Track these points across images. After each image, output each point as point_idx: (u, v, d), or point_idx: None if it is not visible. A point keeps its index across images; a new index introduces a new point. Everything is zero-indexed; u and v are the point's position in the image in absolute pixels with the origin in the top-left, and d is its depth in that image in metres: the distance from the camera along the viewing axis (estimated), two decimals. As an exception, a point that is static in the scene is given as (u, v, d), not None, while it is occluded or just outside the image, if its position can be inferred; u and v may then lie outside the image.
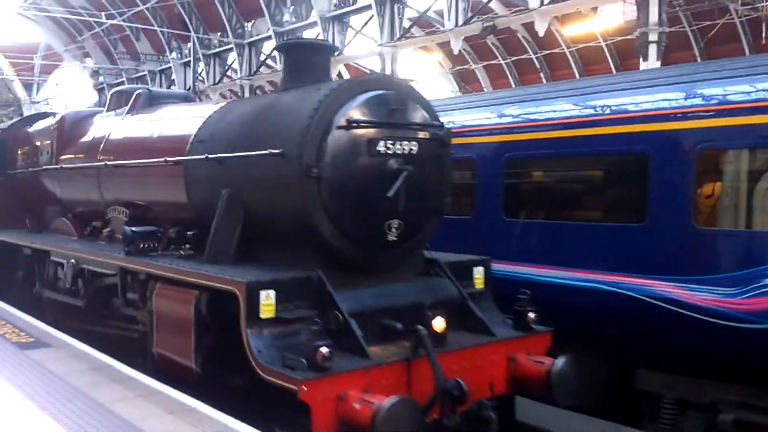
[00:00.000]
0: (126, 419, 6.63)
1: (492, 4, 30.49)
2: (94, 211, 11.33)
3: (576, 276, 9.03)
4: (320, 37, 33.46)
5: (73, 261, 10.28)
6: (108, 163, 10.34)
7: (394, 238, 7.61)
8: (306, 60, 8.41)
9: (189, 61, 44.97)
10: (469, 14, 26.82)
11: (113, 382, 7.78)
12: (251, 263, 7.84)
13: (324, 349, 6.27)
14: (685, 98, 8.39)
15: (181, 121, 9.84)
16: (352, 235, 7.43)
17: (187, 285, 7.65)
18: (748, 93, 7.95)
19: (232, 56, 42.20)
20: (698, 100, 8.26)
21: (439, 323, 7.10)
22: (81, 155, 11.53)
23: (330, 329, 6.96)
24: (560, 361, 7.26)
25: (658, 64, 20.81)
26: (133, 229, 8.93)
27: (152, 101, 11.09)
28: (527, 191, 10.56)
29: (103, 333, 10.25)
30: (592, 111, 9.38)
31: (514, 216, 10.02)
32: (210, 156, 8.25)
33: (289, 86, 8.30)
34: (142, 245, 8.82)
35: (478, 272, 8.45)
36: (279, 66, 36.84)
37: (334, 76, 33.40)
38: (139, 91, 11.27)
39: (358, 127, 7.30)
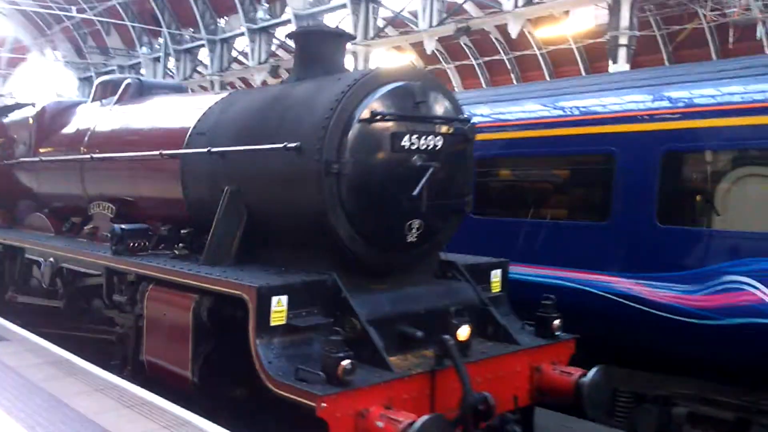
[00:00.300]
0: (83, 413, 6.39)
1: (466, 5, 30.38)
2: (74, 207, 10.53)
3: (542, 273, 9.05)
4: None
5: (51, 259, 9.50)
6: (93, 155, 9.54)
7: (414, 239, 6.99)
8: (320, 49, 7.73)
9: (159, 57, 44.41)
10: (444, 15, 26.93)
11: (71, 376, 7.49)
12: (254, 265, 7.17)
13: (345, 362, 5.62)
14: (652, 101, 8.55)
15: (176, 112, 9.09)
16: (370, 235, 6.79)
17: (184, 288, 6.97)
18: (714, 96, 8.10)
19: (204, 52, 41.82)
20: (665, 103, 8.42)
21: (464, 331, 6.47)
22: (62, 147, 10.69)
23: (344, 338, 6.32)
24: (592, 373, 6.69)
25: (627, 67, 21.07)
26: (123, 226, 8.18)
27: (142, 91, 10.29)
28: (500, 190, 10.51)
29: (77, 336, 9.59)
30: (561, 112, 9.49)
31: (481, 214, 9.73)
32: (213, 149, 7.54)
33: (302, 76, 7.62)
34: (132, 244, 8.08)
35: (496, 275, 7.87)
36: (250, 63, 36.47)
37: None
38: (128, 80, 10.47)
39: (382, 120, 6.66)
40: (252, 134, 7.29)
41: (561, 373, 6.92)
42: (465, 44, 37.84)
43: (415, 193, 6.59)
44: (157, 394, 6.99)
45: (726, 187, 7.99)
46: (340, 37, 7.97)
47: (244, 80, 40.53)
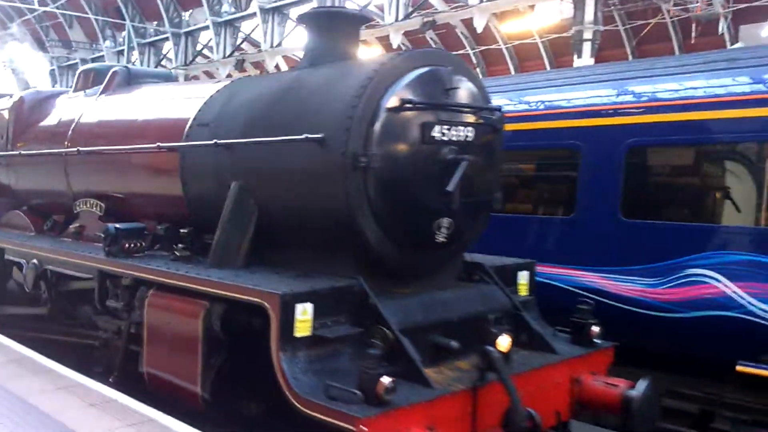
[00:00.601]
0: (46, 412, 6.16)
1: (432, 0, 29.85)
2: (56, 204, 9.66)
3: None
4: (259, 28, 32.42)
5: (35, 261, 8.64)
6: (80, 149, 8.68)
7: (443, 239, 6.32)
8: (334, 31, 7.01)
9: (123, 50, 43.53)
10: (410, 9, 27.15)
11: (34, 375, 7.23)
12: (264, 268, 6.46)
13: (386, 380, 4.93)
14: (617, 95, 8.55)
15: (173, 102, 8.28)
16: (397, 235, 6.11)
17: (190, 293, 6.22)
18: (677, 91, 8.11)
19: (168, 45, 41.05)
20: (629, 97, 8.42)
21: (504, 341, 5.81)
22: (43, 141, 9.78)
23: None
24: (642, 386, 6.05)
25: (591, 62, 21.26)
26: (117, 225, 7.36)
27: (130, 80, 9.43)
28: None
29: (57, 340, 8.86)
30: (526, 106, 9.42)
31: None
32: (219, 141, 6.78)
33: (316, 61, 6.90)
34: (127, 245, 7.29)
35: (523, 277, 7.24)
36: (215, 56, 35.62)
37: (271, 68, 32.42)
38: (115, 68, 9.56)
39: (412, 109, 5.97)
40: (263, 125, 6.56)
41: (605, 384, 6.27)
42: (431, 38, 37.39)
43: (450, 188, 5.91)
44: (162, 411, 6.30)
45: (689, 181, 8.19)
46: (356, 19, 7.24)
47: (208, 74, 39.72)
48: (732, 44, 23.52)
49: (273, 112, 6.59)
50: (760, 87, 7.55)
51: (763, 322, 7.20)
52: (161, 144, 7.44)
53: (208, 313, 6.02)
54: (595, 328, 6.68)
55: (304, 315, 5.47)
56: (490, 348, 5.53)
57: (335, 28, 7.04)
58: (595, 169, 8.33)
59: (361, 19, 7.28)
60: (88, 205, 8.72)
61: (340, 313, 5.73)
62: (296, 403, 5.15)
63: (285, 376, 5.26)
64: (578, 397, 6.29)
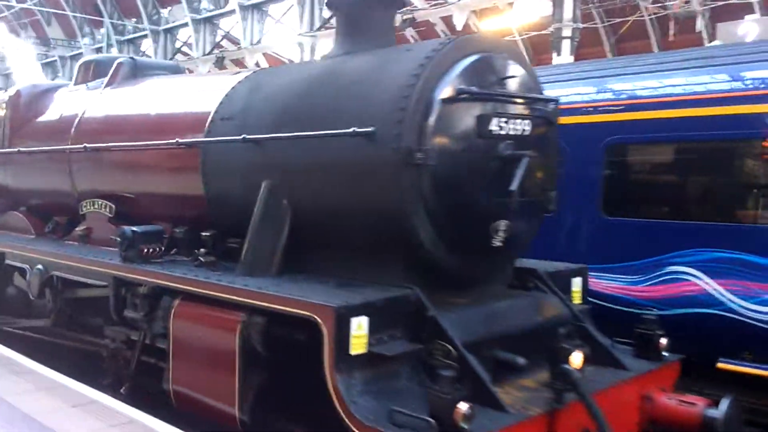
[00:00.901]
0: (26, 413, 5.96)
1: (412, -3, 29.48)
2: (58, 204, 8.86)
3: None
4: (239, 25, 31.80)
5: (40, 266, 7.86)
6: (87, 145, 7.90)
7: (499, 243, 5.65)
8: (368, 17, 6.29)
9: (101, 47, 42.55)
10: None
11: (15, 375, 7.02)
12: (302, 275, 5.78)
13: (464, 406, 4.30)
14: (596, 92, 8.47)
15: (188, 95, 7.50)
16: (452, 239, 5.46)
17: (224, 304, 5.52)
18: (656, 88, 8.01)
19: (147, 43, 40.18)
20: (608, 95, 8.35)
21: (578, 359, 5.13)
22: (44, 137, 8.98)
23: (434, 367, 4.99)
24: (724, 405, 5.39)
25: (571, 59, 20.85)
26: (134, 228, 6.63)
27: (136, 72, 8.63)
28: None
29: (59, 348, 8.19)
30: None
31: None
32: (247, 137, 6.07)
33: (351, 49, 6.19)
34: (145, 249, 6.56)
35: (576, 284, 6.61)
36: (195, 53, 34.75)
37: (251, 66, 31.71)
38: (120, 59, 8.75)
39: (468, 99, 5.30)
40: (297, 118, 5.86)
41: (679, 402, 5.62)
42: (410, 36, 36.78)
43: (513, 187, 5.27)
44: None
45: (668, 179, 8.10)
46: (391, 4, 6.53)
47: (188, 70, 38.74)
48: (710, 42, 23.28)
49: (307, 104, 5.89)
50: (739, 85, 7.52)
51: (742, 319, 7.15)
52: (180, 140, 6.70)
53: (245, 326, 5.33)
54: (663, 340, 6.06)
55: (359, 330, 4.81)
56: (569, 367, 4.89)
57: (369, 14, 6.32)
58: (576, 166, 8.08)
59: (397, 3, 6.57)
60: (96, 206, 7.94)
61: (396, 326, 5.07)
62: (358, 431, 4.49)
63: (342, 399, 4.61)
64: (650, 416, 5.65)
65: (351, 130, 5.24)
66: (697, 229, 7.47)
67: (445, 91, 5.24)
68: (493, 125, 5.40)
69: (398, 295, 5.12)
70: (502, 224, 5.60)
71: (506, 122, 5.49)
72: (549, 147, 5.99)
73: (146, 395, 6.82)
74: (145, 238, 6.60)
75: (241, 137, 6.10)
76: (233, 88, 6.74)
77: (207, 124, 6.63)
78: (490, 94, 5.40)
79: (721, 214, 7.53)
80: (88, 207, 8.07)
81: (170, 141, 6.80)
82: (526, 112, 5.72)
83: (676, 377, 6.12)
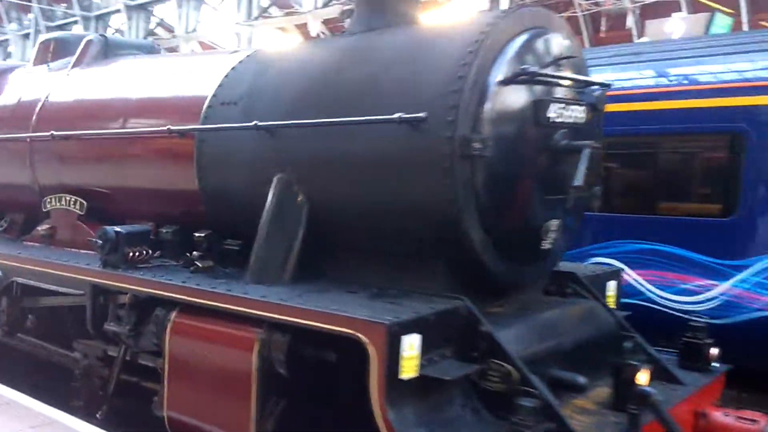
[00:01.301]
0: None
1: (351, -13, 29.03)
2: (14, 200, 7.77)
3: None
4: (176, 14, 30.82)
5: (-1, 272, 6.82)
6: (55, 133, 6.85)
7: (549, 246, 4.94)
8: None
9: (29, 33, 40.64)
10: None
11: None
12: (322, 283, 4.96)
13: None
14: None
15: (177, 77, 6.51)
16: (503, 241, 4.70)
17: (234, 318, 4.66)
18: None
19: (77, 29, 38.50)
20: None
21: (644, 377, 4.46)
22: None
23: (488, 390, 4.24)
24: None
25: None
26: (118, 229, 5.67)
27: (108, 52, 7.56)
28: None
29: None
30: None
31: None
32: (260, 124, 5.18)
33: (375, 25, 5.34)
34: (131, 253, 5.62)
35: (612, 288, 5.93)
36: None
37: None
38: (89, 37, 7.64)
39: (527, 82, 4.55)
40: (319, 103, 5.03)
41: (737, 419, 4.98)
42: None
43: (578, 182, 4.54)
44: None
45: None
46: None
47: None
48: (639, 38, 23.45)
49: (332, 87, 5.03)
50: (663, 81, 7.73)
51: (659, 308, 7.43)
52: (172, 128, 5.76)
53: (263, 344, 4.47)
54: (714, 350, 5.41)
55: (410, 350, 4.02)
56: (648, 388, 4.20)
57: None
58: None
59: None
60: (63, 202, 6.89)
61: (446, 344, 4.29)
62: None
63: (395, 433, 3.80)
64: None
65: (396, 116, 4.41)
66: (620, 221, 7.75)
67: (502, 72, 4.49)
68: (552, 112, 4.67)
69: (449, 308, 4.33)
70: (554, 224, 4.90)
71: (564, 109, 4.77)
72: (597, 137, 5.26)
73: (127, 420, 5.93)
74: (131, 239, 5.64)
75: (252, 124, 5.19)
76: (233, 68, 5.82)
77: (204, 110, 5.72)
78: (555, 76, 4.67)
79: (639, 207, 7.92)
80: (53, 203, 7.01)
81: (160, 128, 5.85)
82: (578, 97, 4.99)
83: (722, 388, 5.50)
